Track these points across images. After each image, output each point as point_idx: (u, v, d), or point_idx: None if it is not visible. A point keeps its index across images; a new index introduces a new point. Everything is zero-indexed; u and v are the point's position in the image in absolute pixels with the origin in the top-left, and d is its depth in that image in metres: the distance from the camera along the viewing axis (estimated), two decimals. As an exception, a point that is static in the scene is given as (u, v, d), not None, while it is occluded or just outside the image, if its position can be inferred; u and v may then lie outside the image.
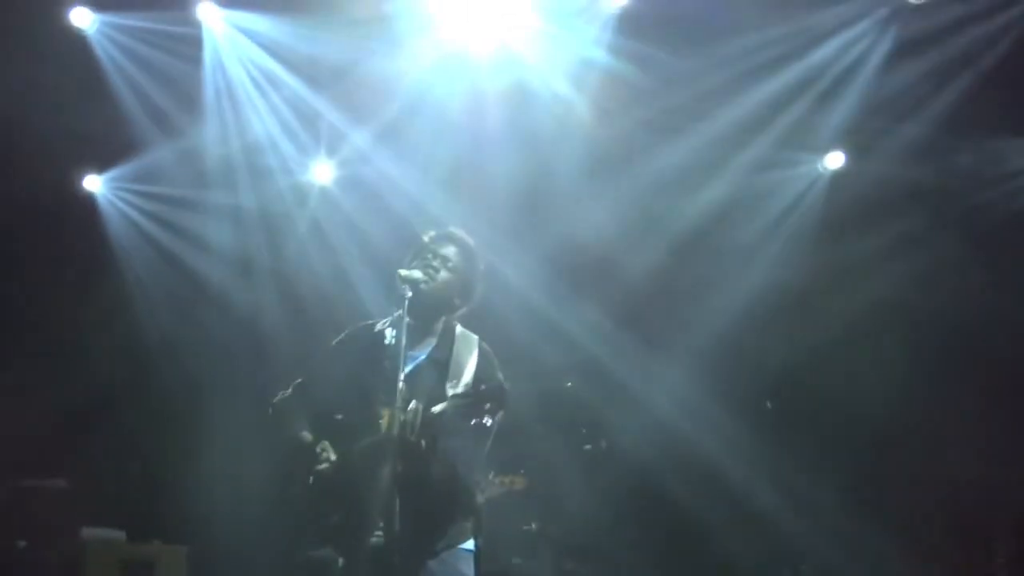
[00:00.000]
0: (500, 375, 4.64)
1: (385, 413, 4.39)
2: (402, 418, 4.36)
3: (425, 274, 4.68)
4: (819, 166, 8.64)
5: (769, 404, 8.14)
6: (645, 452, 8.28)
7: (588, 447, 8.19)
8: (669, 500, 8.13)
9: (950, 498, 7.94)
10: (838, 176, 8.61)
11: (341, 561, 4.48)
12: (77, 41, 7.86)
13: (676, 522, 8.07)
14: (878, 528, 7.81)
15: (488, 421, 4.28)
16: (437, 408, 4.38)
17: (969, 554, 7.60)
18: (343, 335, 4.97)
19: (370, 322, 4.92)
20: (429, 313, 4.74)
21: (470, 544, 4.64)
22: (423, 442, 4.35)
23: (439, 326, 4.79)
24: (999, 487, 7.71)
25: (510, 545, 7.63)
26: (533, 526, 7.95)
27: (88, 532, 7.85)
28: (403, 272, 4.61)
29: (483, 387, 4.40)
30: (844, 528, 7.80)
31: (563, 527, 8.03)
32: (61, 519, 7.90)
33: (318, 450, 4.62)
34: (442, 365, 4.62)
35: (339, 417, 4.68)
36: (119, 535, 7.97)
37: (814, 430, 8.16)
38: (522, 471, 7.68)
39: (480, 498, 4.75)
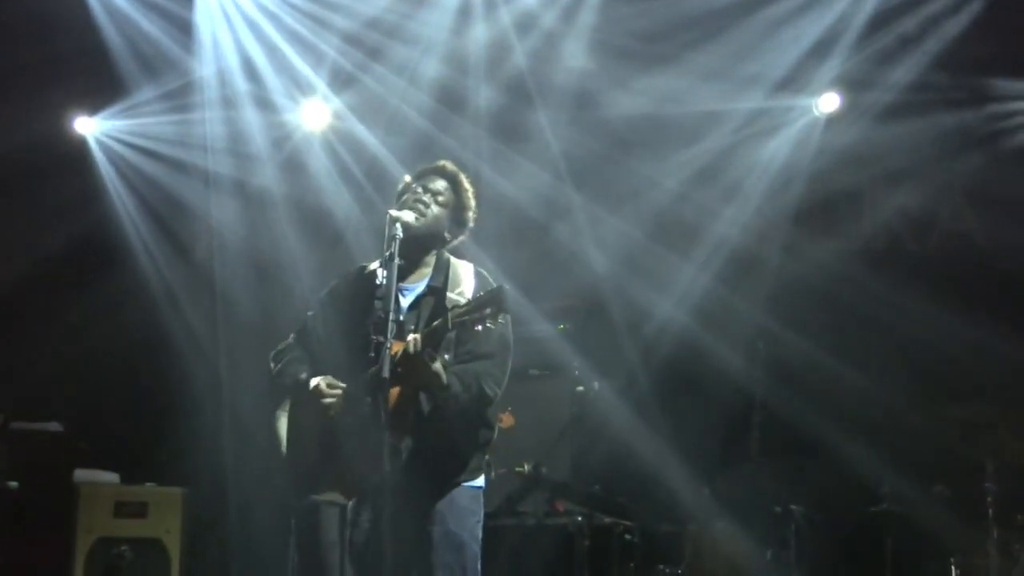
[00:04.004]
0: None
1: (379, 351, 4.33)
2: (399, 347, 4.34)
3: (416, 211, 4.67)
4: (813, 107, 8.54)
5: (760, 345, 8.11)
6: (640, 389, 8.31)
7: (581, 388, 8.17)
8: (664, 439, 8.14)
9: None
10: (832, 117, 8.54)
11: (350, 504, 4.47)
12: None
13: (670, 465, 8.07)
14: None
15: (491, 324, 4.26)
16: (436, 322, 4.37)
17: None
18: (336, 280, 4.99)
19: (363, 264, 4.92)
20: (422, 247, 4.77)
21: (480, 481, 4.67)
22: (427, 358, 4.33)
23: (432, 259, 4.81)
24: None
25: (505, 485, 7.65)
26: (526, 467, 7.96)
27: (81, 474, 7.86)
28: (393, 212, 4.59)
29: (481, 293, 4.42)
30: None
31: (556, 469, 8.04)
32: (54, 461, 7.92)
33: (324, 385, 4.60)
34: (440, 292, 4.64)
35: (339, 362, 4.65)
36: (112, 477, 7.99)
37: (805, 373, 8.15)
38: (509, 408, 7.68)
39: (494, 433, 4.75)
